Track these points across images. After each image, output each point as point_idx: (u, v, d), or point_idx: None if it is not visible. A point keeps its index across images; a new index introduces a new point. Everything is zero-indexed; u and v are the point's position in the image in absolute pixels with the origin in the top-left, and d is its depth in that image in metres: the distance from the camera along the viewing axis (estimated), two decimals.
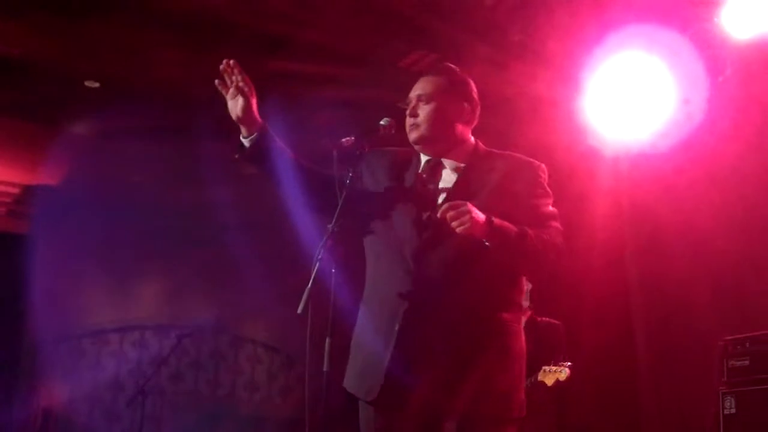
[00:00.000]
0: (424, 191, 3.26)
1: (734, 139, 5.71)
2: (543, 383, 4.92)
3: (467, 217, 2.93)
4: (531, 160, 3.34)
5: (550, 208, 3.27)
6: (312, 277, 2.98)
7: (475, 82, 3.45)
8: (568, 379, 4.90)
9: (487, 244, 2.98)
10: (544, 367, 4.96)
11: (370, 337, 3.18)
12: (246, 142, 3.25)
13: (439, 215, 2.99)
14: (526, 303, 5.22)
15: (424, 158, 3.35)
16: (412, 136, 3.31)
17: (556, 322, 5.37)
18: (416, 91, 3.34)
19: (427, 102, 3.29)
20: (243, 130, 3.24)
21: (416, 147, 3.35)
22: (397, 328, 3.09)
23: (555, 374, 4.92)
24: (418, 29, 5.97)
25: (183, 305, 8.60)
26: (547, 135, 6.10)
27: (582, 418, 6.09)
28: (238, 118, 3.21)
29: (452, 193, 3.20)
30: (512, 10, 5.72)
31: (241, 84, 3.17)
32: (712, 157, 5.82)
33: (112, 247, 8.40)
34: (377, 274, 3.28)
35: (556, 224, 3.22)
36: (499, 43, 5.87)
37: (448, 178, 3.28)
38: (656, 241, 6.38)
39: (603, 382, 6.08)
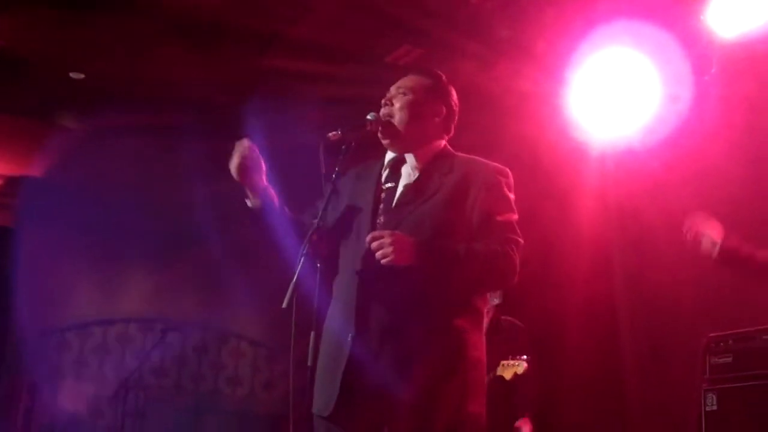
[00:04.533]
0: (382, 193, 3.23)
1: (719, 138, 5.73)
2: (501, 377, 4.94)
3: (389, 249, 2.90)
4: (496, 166, 3.28)
5: (509, 217, 3.20)
6: (297, 272, 2.97)
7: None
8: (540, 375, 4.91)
9: (422, 268, 2.96)
10: (502, 362, 4.98)
11: (327, 346, 3.15)
12: (248, 203, 3.29)
13: (366, 244, 2.95)
14: (496, 300, 5.24)
15: (389, 156, 3.32)
16: (386, 129, 3.27)
17: (520, 323, 5.37)
18: (397, 84, 3.33)
19: (405, 94, 3.28)
20: (247, 192, 3.27)
21: (384, 140, 3.30)
22: (350, 338, 3.05)
23: (513, 368, 4.95)
24: (406, 26, 5.97)
25: (167, 300, 8.58)
26: (533, 132, 6.12)
27: (567, 416, 6.10)
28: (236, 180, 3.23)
29: (403, 195, 3.18)
30: (499, 7, 5.72)
31: (245, 156, 3.17)
32: (697, 156, 5.84)
33: (97, 240, 8.37)
34: (338, 281, 3.26)
35: (512, 236, 3.15)
36: (486, 40, 5.87)
37: (407, 177, 3.25)
38: (642, 238, 6.40)
39: (588, 379, 6.09)
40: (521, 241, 3.15)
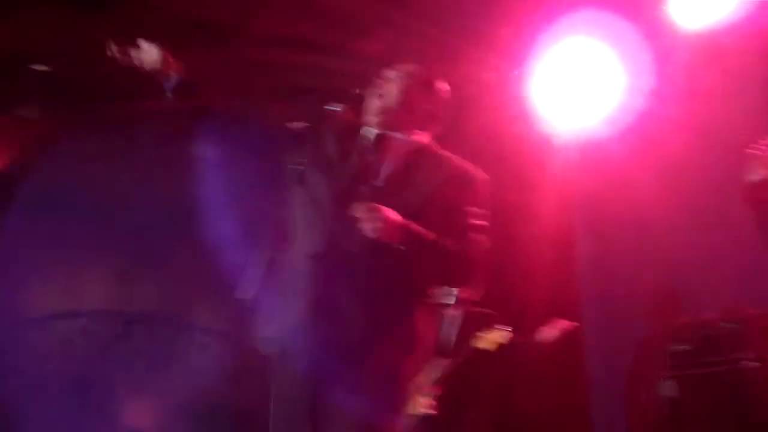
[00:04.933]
0: (365, 165, 3.21)
1: (680, 129, 5.79)
2: (480, 349, 4.92)
3: (379, 224, 2.90)
4: (474, 171, 3.30)
5: (479, 222, 3.22)
6: (261, 261, 2.95)
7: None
8: (509, 353, 4.91)
9: (402, 247, 2.96)
10: (478, 334, 4.97)
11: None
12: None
13: (352, 214, 2.95)
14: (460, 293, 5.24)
15: (369, 134, 3.29)
16: (374, 106, 3.23)
17: (492, 313, 5.38)
18: (395, 70, 3.31)
19: (401, 81, 3.26)
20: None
21: (372, 119, 3.26)
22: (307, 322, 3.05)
23: (492, 339, 4.93)
24: (370, 15, 5.94)
25: (130, 292, 8.50)
26: (496, 122, 6.12)
27: (528, 405, 6.13)
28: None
29: (387, 181, 3.16)
30: None
31: None
32: (658, 147, 5.90)
33: (59, 233, 8.27)
34: (293, 264, 3.24)
35: (479, 237, 3.18)
36: (449, 29, 5.86)
37: (389, 164, 3.23)
38: (605, 227, 6.45)
39: (550, 367, 6.12)
40: (487, 243, 3.18)
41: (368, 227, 2.91)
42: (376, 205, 2.96)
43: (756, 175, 3.65)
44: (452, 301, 5.27)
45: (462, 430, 5.10)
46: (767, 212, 3.63)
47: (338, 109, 3.26)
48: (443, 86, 3.40)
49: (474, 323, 5.15)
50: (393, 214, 2.95)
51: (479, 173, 3.29)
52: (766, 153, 3.64)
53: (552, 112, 6.11)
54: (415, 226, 3.01)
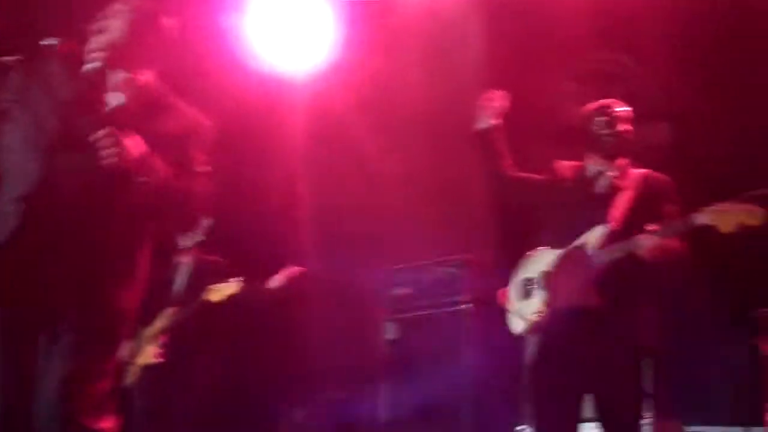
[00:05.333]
0: (89, 98, 2.98)
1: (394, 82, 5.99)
2: (210, 300, 4.89)
3: (116, 150, 2.75)
4: (198, 116, 3.18)
5: (203, 168, 3.14)
6: None
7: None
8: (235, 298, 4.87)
9: (140, 179, 2.82)
10: (209, 287, 4.93)
11: None
12: None
13: (91, 139, 2.76)
14: (198, 237, 5.15)
15: (96, 65, 3.04)
16: (98, 40, 2.99)
17: (220, 259, 5.31)
18: (120, 4, 3.07)
19: (126, 16, 3.02)
20: None
21: (96, 55, 3.01)
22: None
23: (222, 290, 4.90)
24: None
25: None
26: (218, 67, 5.93)
27: (255, 346, 6.10)
28: None
29: (112, 116, 2.97)
30: None
31: None
32: (375, 97, 6.06)
33: None
34: None
35: (204, 183, 3.11)
36: None
37: (115, 97, 3.03)
38: (330, 169, 6.51)
39: (275, 314, 6.13)
40: (211, 189, 3.09)
41: (108, 153, 2.72)
42: (116, 131, 2.77)
43: (483, 123, 3.84)
44: (185, 248, 5.14)
45: (193, 377, 5.02)
46: (489, 157, 3.83)
47: (55, 43, 3.01)
48: (170, 23, 3.23)
49: (205, 272, 5.06)
50: (134, 143, 2.80)
51: (203, 119, 3.19)
52: (493, 104, 3.84)
53: (271, 57, 6.04)
54: (153, 159, 2.86)
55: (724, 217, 3.24)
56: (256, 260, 5.40)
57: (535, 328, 3.59)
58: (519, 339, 4.76)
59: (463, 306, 5.24)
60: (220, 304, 4.86)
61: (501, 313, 5.06)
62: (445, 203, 6.06)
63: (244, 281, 4.91)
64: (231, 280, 4.90)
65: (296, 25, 5.94)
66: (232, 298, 4.85)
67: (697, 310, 4.94)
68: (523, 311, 3.62)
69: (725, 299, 4.88)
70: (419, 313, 5.43)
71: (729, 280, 4.94)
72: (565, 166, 3.81)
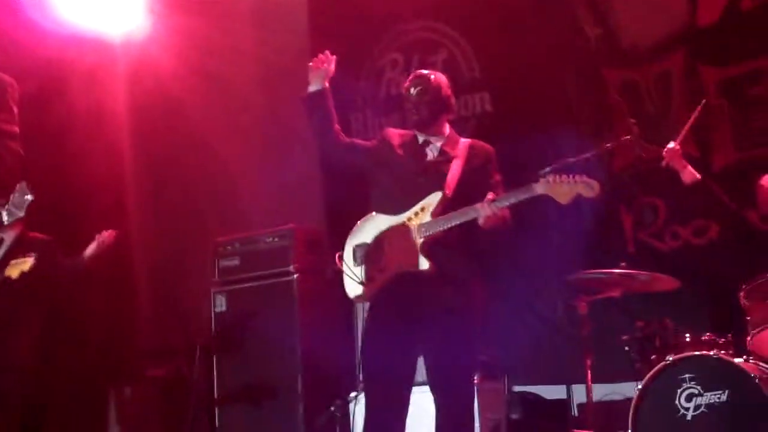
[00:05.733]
0: None
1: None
2: (9, 277, 4.68)
3: None
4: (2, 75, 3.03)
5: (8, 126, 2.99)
6: None
7: None
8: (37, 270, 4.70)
9: None
10: (11, 261, 4.73)
11: None
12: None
13: None
14: (19, 213, 4.87)
15: None
16: None
17: (47, 237, 5.09)
18: None
19: None
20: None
21: None
22: None
23: (19, 266, 4.72)
24: None
25: None
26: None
27: (80, 316, 5.89)
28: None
29: None
30: None
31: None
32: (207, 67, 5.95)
33: None
34: None
35: (11, 143, 2.97)
36: None
37: None
38: (155, 143, 6.34)
39: (103, 286, 5.94)
40: (19, 150, 2.94)
41: None
42: None
43: (314, 86, 3.85)
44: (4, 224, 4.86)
45: (10, 351, 4.80)
46: (319, 119, 3.85)
47: None
48: None
49: (22, 250, 4.82)
50: None
51: (7, 77, 3.02)
52: (323, 67, 3.85)
53: (82, 18, 5.79)
54: None
55: (561, 188, 3.37)
56: (81, 234, 5.19)
57: (367, 294, 3.62)
58: (350, 305, 4.86)
59: (291, 276, 5.23)
60: (19, 280, 4.67)
61: (328, 281, 5.15)
62: (273, 173, 6.03)
63: (41, 255, 4.73)
64: (29, 255, 4.71)
65: None
66: (28, 274, 4.66)
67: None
68: (357, 276, 3.64)
69: (545, 263, 5.12)
70: (248, 285, 5.38)
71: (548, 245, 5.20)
72: (394, 133, 3.85)
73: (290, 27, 6.20)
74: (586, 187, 3.37)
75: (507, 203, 3.46)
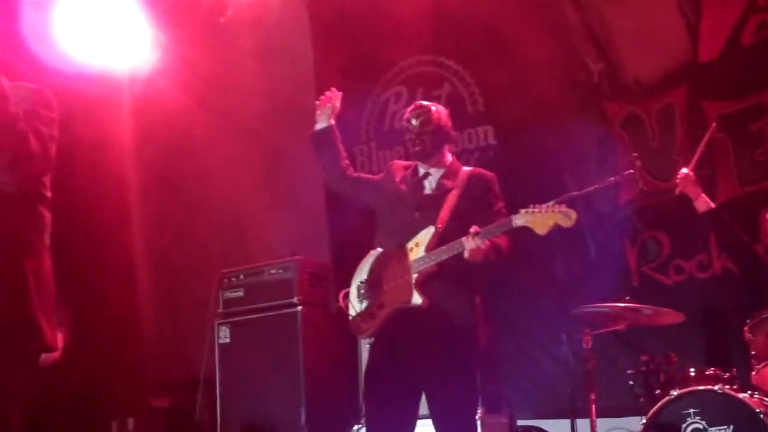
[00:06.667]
0: None
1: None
2: None
3: None
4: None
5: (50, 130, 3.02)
6: None
7: None
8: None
9: None
10: None
11: None
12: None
13: None
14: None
15: None
16: None
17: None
18: None
19: None
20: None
21: None
22: None
23: None
24: None
25: None
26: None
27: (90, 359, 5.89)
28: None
29: None
30: None
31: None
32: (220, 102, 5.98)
33: None
34: None
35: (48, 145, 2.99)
36: None
37: None
38: (165, 174, 6.37)
39: (108, 320, 5.93)
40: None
41: None
42: None
43: (321, 123, 3.87)
44: None
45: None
46: (327, 156, 3.87)
47: None
48: None
49: None
50: None
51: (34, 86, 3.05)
52: (330, 104, 3.87)
53: (86, 56, 5.82)
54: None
55: (539, 218, 3.39)
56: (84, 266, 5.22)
57: (369, 330, 3.63)
58: (353, 340, 4.85)
59: (295, 308, 5.23)
60: None
61: (332, 315, 5.15)
62: (278, 206, 6.05)
63: None
64: None
65: (111, 23, 5.72)
66: None
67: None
68: (358, 315, 3.65)
69: (549, 296, 5.12)
70: (252, 316, 5.39)
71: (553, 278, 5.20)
72: (399, 165, 3.87)
73: (295, 60, 6.24)
74: (563, 217, 3.37)
75: (489, 236, 3.45)
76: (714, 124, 4.32)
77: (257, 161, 6.23)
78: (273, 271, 5.42)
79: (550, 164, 5.29)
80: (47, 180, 3.00)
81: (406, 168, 3.84)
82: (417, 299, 3.49)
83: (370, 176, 3.99)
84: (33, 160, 2.86)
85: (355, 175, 3.91)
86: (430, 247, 3.51)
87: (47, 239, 3.01)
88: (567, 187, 4.18)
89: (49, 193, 3.03)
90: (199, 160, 6.18)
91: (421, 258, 3.51)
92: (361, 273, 3.69)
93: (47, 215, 3.02)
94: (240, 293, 5.51)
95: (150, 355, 6.29)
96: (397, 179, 3.79)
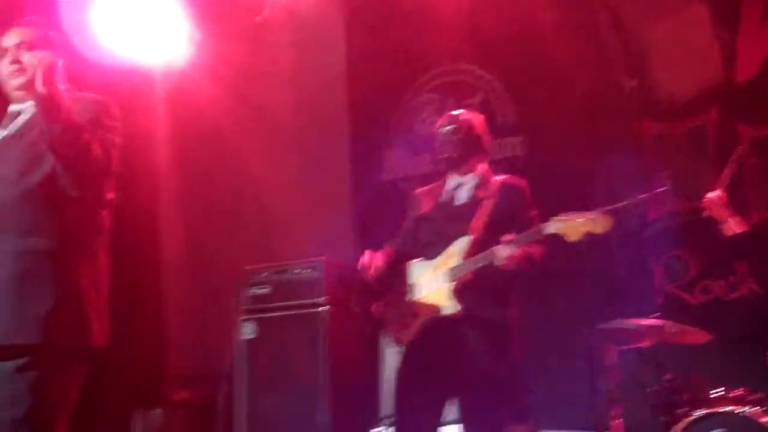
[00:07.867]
0: None
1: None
2: None
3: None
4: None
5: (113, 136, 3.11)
6: None
7: None
8: None
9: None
10: None
11: None
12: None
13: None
14: None
15: None
16: None
17: None
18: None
19: None
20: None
21: None
22: None
23: None
24: None
25: None
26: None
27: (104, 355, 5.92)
28: None
29: None
30: None
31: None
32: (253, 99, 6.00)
33: None
34: None
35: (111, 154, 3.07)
36: None
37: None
38: (191, 172, 6.40)
39: (126, 314, 5.96)
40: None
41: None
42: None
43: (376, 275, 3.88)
44: None
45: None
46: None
47: None
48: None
49: None
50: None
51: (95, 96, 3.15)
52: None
53: (123, 51, 5.87)
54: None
55: (571, 225, 3.39)
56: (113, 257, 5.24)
57: (402, 339, 3.67)
58: (375, 342, 4.89)
59: (320, 308, 5.27)
60: None
61: (356, 316, 5.19)
62: (308, 203, 6.08)
63: None
64: None
65: (147, 18, 5.76)
66: None
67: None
68: (395, 322, 3.70)
69: (577, 310, 5.14)
70: (277, 314, 5.43)
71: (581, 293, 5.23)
72: (421, 193, 3.92)
73: (328, 59, 6.28)
74: (595, 223, 3.37)
75: (521, 244, 3.48)
76: (741, 146, 4.34)
77: (289, 158, 6.24)
78: (299, 270, 5.46)
79: (578, 179, 5.33)
80: (110, 184, 3.08)
81: (431, 190, 3.87)
82: (453, 308, 3.53)
83: (406, 229, 3.98)
84: (95, 166, 2.93)
85: (402, 240, 3.92)
86: (467, 256, 3.55)
87: (106, 240, 3.08)
88: (596, 202, 4.19)
89: (110, 196, 3.11)
90: (229, 152, 6.19)
91: (458, 266, 3.55)
92: (398, 282, 3.74)
93: (107, 217, 3.09)
94: (266, 290, 5.55)
95: (174, 347, 6.33)
96: (424, 203, 3.83)
